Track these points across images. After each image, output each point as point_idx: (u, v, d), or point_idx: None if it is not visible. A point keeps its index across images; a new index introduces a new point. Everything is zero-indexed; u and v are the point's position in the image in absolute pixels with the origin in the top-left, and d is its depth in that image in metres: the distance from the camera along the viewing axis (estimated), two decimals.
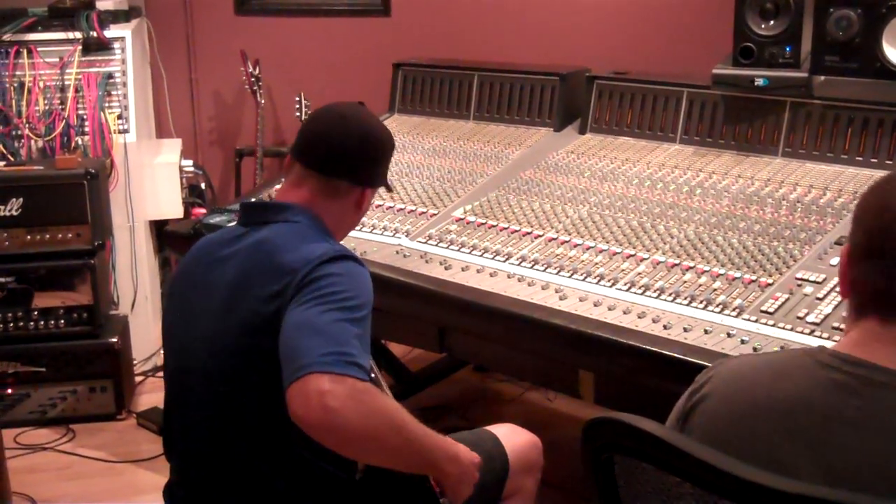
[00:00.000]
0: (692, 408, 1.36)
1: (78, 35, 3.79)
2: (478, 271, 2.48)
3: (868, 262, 1.27)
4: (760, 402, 1.27)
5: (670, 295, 2.21)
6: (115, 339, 3.51)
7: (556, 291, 2.31)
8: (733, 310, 2.12)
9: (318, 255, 1.71)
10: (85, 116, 3.75)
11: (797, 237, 2.34)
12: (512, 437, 2.12)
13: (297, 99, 4.34)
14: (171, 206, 3.99)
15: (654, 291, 2.24)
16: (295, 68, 4.57)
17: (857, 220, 1.31)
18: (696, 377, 1.40)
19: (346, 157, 1.90)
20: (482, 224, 2.70)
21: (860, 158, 2.61)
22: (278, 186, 2.23)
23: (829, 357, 1.27)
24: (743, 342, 1.99)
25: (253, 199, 2.89)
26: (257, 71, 4.37)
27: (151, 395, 3.69)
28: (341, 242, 1.91)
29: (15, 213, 3.40)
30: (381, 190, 2.05)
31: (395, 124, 3.43)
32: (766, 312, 2.08)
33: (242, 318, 1.72)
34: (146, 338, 3.88)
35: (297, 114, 4.32)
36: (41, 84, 3.74)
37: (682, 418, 1.38)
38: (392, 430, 1.59)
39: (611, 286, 2.30)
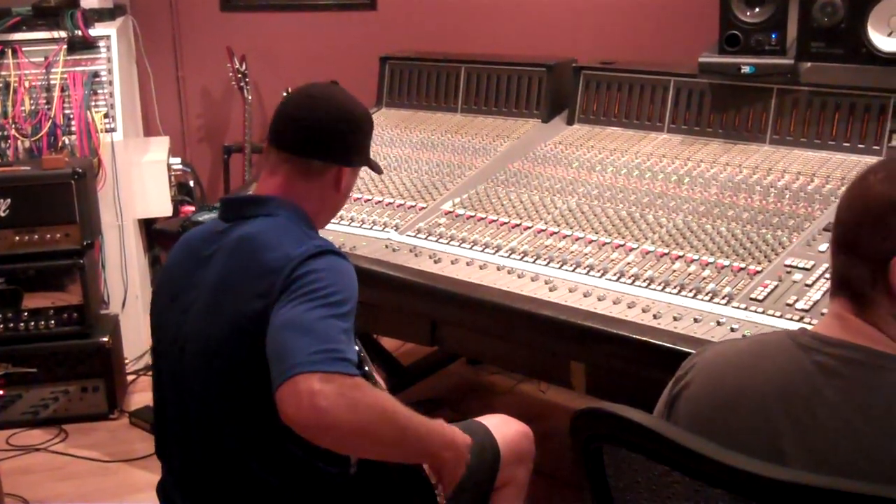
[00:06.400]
0: (677, 395, 1.37)
1: (63, 34, 3.78)
2: (467, 264, 2.48)
3: (836, 253, 1.32)
4: (743, 386, 1.28)
5: (660, 284, 2.21)
6: (106, 339, 3.51)
7: (546, 283, 2.31)
8: (723, 298, 2.12)
9: (300, 252, 1.70)
10: (71, 116, 3.74)
11: (785, 224, 2.35)
12: (503, 427, 2.11)
13: (285, 94, 4.32)
14: (159, 205, 3.98)
15: (644, 281, 2.24)
16: (282, 64, 4.56)
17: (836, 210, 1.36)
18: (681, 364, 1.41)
19: (315, 135, 1.87)
20: (471, 217, 2.70)
21: (847, 144, 2.61)
22: None
23: (809, 339, 1.28)
24: (732, 330, 1.99)
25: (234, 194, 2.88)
26: (244, 67, 4.35)
27: (143, 394, 3.69)
28: (327, 231, 1.89)
29: (3, 214, 3.38)
30: (372, 175, 2.02)
31: (383, 118, 3.43)
32: (755, 300, 2.08)
33: (228, 318, 1.71)
34: (137, 336, 3.87)
35: None
36: (27, 84, 3.72)
37: (668, 405, 1.39)
38: (385, 421, 1.58)
39: (600, 276, 2.30)
